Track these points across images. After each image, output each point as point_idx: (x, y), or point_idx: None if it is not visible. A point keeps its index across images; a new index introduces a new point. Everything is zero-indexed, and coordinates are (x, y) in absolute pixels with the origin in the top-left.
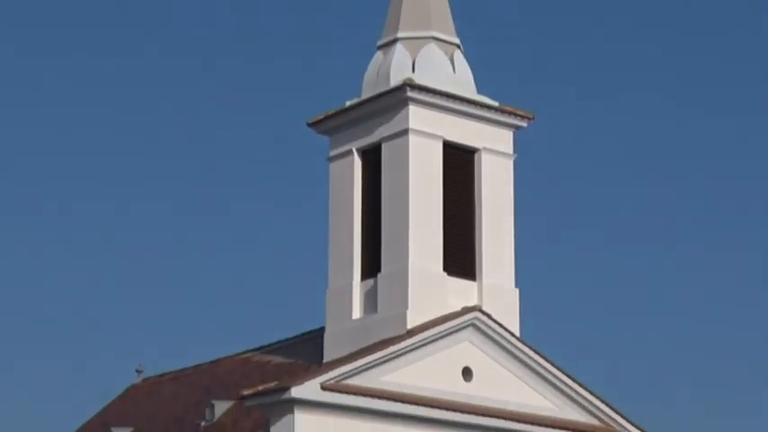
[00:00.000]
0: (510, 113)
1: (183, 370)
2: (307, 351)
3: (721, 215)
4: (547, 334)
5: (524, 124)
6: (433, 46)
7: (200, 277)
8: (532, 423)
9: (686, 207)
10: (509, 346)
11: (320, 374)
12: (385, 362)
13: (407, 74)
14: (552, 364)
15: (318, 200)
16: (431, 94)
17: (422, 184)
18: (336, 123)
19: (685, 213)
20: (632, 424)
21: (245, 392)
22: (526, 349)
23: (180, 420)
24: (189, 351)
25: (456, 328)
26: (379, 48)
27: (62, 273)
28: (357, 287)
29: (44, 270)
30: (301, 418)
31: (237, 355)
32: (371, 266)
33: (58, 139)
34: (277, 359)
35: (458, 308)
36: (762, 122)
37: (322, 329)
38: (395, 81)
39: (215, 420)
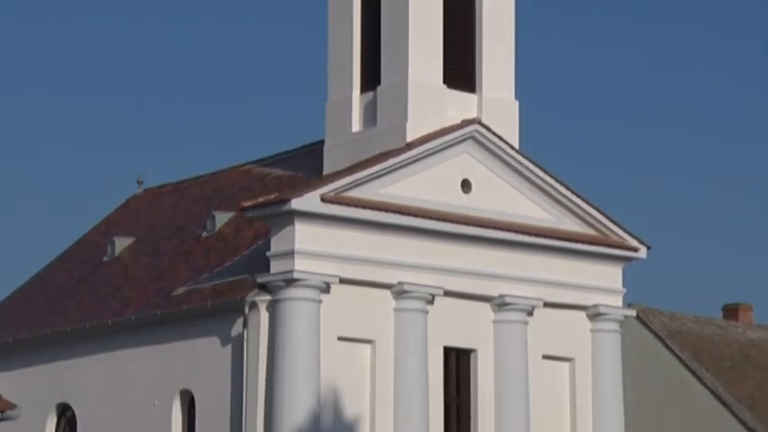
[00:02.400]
0: None
1: (184, 181)
2: (306, 163)
3: (729, 27)
4: (546, 146)
5: None
6: None
7: (201, 88)
8: (530, 234)
9: (690, 18)
10: (508, 158)
11: (320, 186)
12: (384, 174)
13: None
14: (550, 176)
15: (318, 10)
16: None
17: None
18: None
19: (689, 26)
20: (629, 234)
21: (246, 204)
22: (525, 161)
23: (181, 230)
24: (189, 162)
25: (455, 141)
26: None
27: (62, 81)
28: (356, 100)
29: (44, 79)
30: (301, 230)
31: (237, 166)
32: (371, 79)
33: None
34: (277, 171)
35: (457, 120)
36: None
37: (322, 142)
38: None
39: (216, 231)
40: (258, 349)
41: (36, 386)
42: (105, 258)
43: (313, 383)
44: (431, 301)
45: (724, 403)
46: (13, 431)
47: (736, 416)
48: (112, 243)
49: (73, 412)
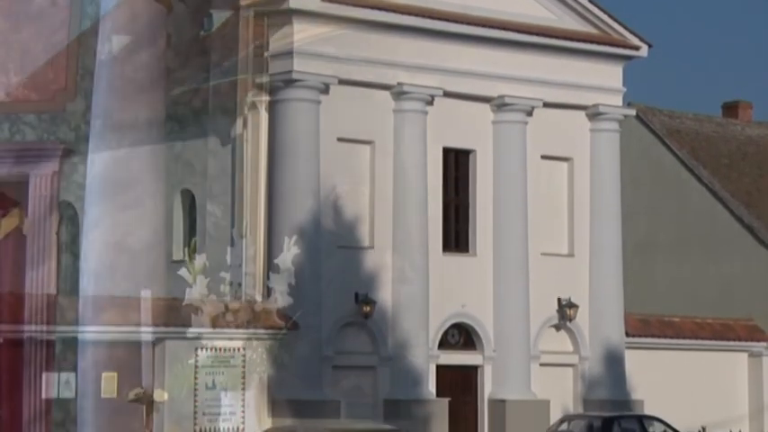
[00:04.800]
0: None
1: None
2: None
3: None
4: None
5: None
6: None
7: None
8: (530, 33)
9: None
10: None
11: None
12: None
13: None
14: None
15: None
16: None
17: None
18: None
19: None
20: (630, 32)
21: (244, 2)
22: None
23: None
24: None
25: None
26: None
27: None
28: None
29: None
30: (300, 29)
31: None
32: None
33: None
34: None
35: None
36: None
37: None
38: None
39: (213, 30)
40: (258, 149)
41: None
42: (104, 58)
43: (313, 183)
44: (430, 102)
45: (721, 200)
46: None
47: (732, 212)
48: (111, 42)
49: (74, 210)
